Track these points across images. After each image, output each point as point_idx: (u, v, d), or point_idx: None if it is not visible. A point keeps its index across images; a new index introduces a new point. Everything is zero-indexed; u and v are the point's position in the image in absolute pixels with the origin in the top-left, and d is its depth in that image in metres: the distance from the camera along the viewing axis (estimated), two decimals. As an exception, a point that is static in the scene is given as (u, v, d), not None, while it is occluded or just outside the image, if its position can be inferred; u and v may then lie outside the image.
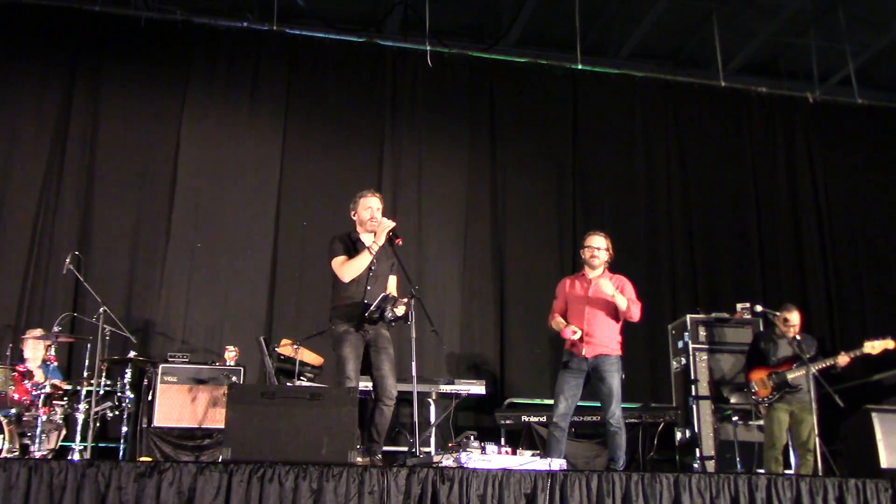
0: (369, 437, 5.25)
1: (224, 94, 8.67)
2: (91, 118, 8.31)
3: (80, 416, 6.10)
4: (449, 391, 7.37)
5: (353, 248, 5.43)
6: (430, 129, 9.10)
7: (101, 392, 6.36)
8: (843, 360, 6.56)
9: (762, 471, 6.68)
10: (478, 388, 7.47)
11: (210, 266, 8.17)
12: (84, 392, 6.17)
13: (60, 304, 7.53)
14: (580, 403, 6.03)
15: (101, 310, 6.41)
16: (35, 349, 6.70)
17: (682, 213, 9.49)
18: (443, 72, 9.15)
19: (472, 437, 4.96)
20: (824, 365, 6.54)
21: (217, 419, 6.74)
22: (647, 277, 9.04)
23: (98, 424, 6.49)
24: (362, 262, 5.34)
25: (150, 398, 6.89)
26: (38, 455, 5.66)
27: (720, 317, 7.92)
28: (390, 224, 5.38)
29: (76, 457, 5.85)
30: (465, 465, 4.35)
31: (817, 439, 6.40)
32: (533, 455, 4.83)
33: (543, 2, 8.80)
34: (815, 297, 9.38)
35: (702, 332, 7.81)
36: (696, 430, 7.51)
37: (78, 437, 6.08)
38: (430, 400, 7.35)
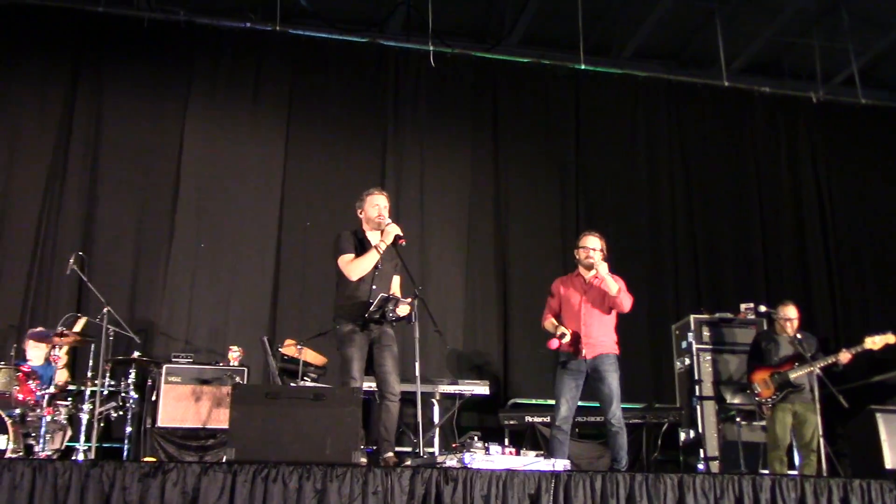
0: (378, 437, 5.22)
1: (227, 94, 8.67)
2: (94, 118, 8.31)
3: (85, 417, 6.10)
4: (452, 391, 7.37)
5: (360, 246, 5.41)
6: (433, 130, 9.10)
7: (105, 392, 6.37)
8: (844, 357, 6.55)
9: (766, 471, 6.67)
10: (481, 389, 7.47)
11: (213, 266, 8.17)
12: (88, 392, 6.17)
13: (64, 305, 7.54)
14: (583, 404, 6.03)
15: (105, 310, 6.41)
16: (37, 348, 6.70)
17: (685, 214, 9.48)
18: (446, 72, 9.15)
19: (475, 438, 4.95)
20: (826, 363, 6.53)
21: (221, 419, 6.72)
22: (650, 277, 9.06)
23: (102, 425, 6.50)
24: (369, 260, 5.32)
25: (153, 398, 6.90)
26: (42, 455, 5.66)
27: (724, 317, 7.91)
28: (396, 229, 5.35)
29: (80, 457, 5.85)
30: (469, 466, 4.35)
31: (821, 440, 6.39)
32: (537, 455, 4.82)
33: (546, 2, 8.80)
34: (818, 297, 9.37)
35: (705, 333, 7.80)
36: (700, 430, 7.50)
37: (82, 438, 6.07)
38: (433, 400, 7.34)
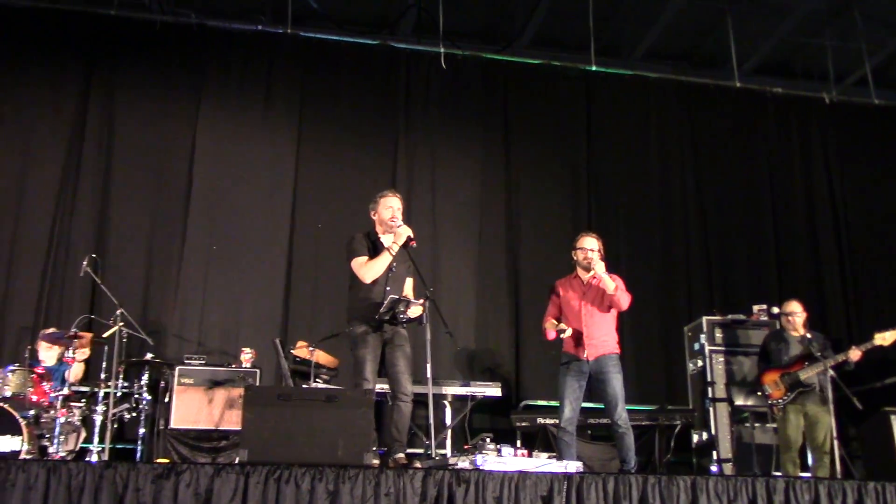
0: (390, 437, 5.22)
1: (239, 96, 8.70)
2: (107, 121, 8.35)
3: (98, 418, 6.12)
4: (464, 393, 7.37)
5: (373, 248, 5.42)
6: (444, 131, 9.10)
7: (119, 394, 6.40)
8: (854, 354, 6.47)
9: (779, 474, 6.63)
10: (493, 390, 7.47)
11: (225, 268, 8.19)
12: (101, 394, 6.19)
13: (77, 307, 7.57)
14: (595, 406, 6.02)
15: (118, 312, 6.44)
16: (50, 349, 6.73)
17: (697, 215, 9.45)
18: (456, 74, 9.14)
19: (487, 440, 4.95)
20: (836, 361, 6.48)
21: (233, 421, 6.75)
22: (661, 279, 9.04)
23: (115, 426, 6.53)
24: (382, 262, 5.33)
25: (166, 400, 6.92)
26: (56, 456, 5.69)
27: (737, 318, 7.87)
28: (408, 231, 5.36)
29: (94, 458, 5.87)
30: (481, 468, 4.35)
31: (835, 441, 6.35)
32: (549, 457, 4.82)
33: (557, 3, 8.80)
34: (832, 299, 9.31)
35: (718, 334, 7.77)
36: (713, 432, 7.47)
37: (96, 439, 6.11)
38: (445, 402, 7.34)
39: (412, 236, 5.38)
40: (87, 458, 5.85)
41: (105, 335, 6.43)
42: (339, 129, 8.84)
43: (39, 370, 6.26)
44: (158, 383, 6.94)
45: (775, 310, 7.03)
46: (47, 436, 5.91)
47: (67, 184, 8.12)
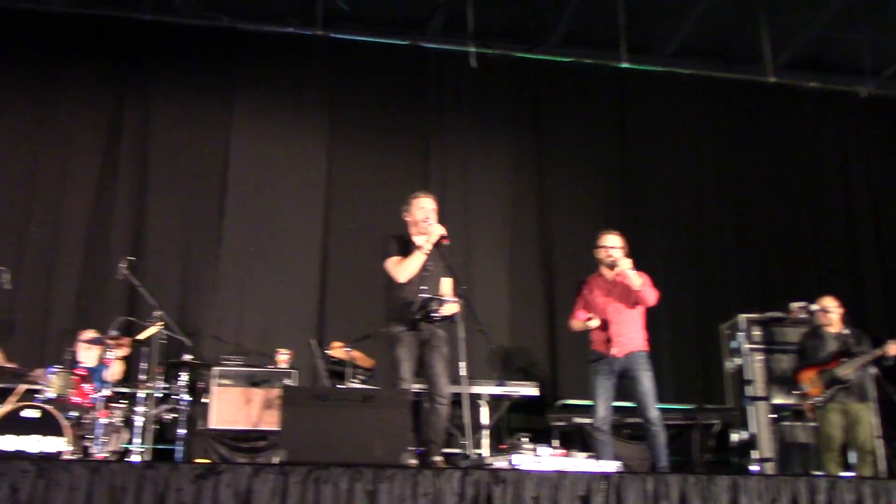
0: (427, 439, 5.23)
1: (271, 98, 8.78)
2: (142, 125, 8.46)
3: (139, 419, 6.19)
4: (501, 393, 7.35)
5: (406, 249, 5.43)
6: (475, 131, 9.09)
7: (159, 395, 6.47)
8: (892, 349, 6.35)
9: (821, 473, 6.54)
10: (530, 390, 7.44)
11: (261, 269, 8.26)
12: (142, 395, 6.27)
13: (115, 308, 7.65)
14: (630, 405, 5.98)
15: (157, 313, 6.51)
16: (89, 349, 6.81)
17: (732, 212, 9.36)
18: (486, 73, 9.11)
19: (524, 439, 4.93)
20: (874, 356, 6.37)
21: (271, 421, 6.79)
22: (697, 277, 8.97)
23: (156, 427, 6.60)
24: (416, 262, 5.34)
25: (205, 401, 6.97)
26: (99, 457, 5.77)
27: (775, 316, 7.76)
28: (440, 229, 5.37)
29: (136, 458, 5.95)
30: (518, 468, 4.33)
31: (878, 440, 6.25)
32: (587, 457, 4.79)
33: (587, 1, 8.74)
34: (871, 297, 9.17)
35: (756, 332, 7.68)
36: (753, 431, 7.38)
37: (137, 440, 6.19)
38: (480, 402, 7.33)
39: (445, 234, 5.39)
40: (128, 459, 5.92)
41: (143, 336, 6.51)
42: (370, 129, 8.87)
43: (81, 371, 6.35)
44: (196, 384, 6.99)
45: (813, 307, 6.92)
46: (89, 437, 5.99)
47: (105, 188, 8.24)
